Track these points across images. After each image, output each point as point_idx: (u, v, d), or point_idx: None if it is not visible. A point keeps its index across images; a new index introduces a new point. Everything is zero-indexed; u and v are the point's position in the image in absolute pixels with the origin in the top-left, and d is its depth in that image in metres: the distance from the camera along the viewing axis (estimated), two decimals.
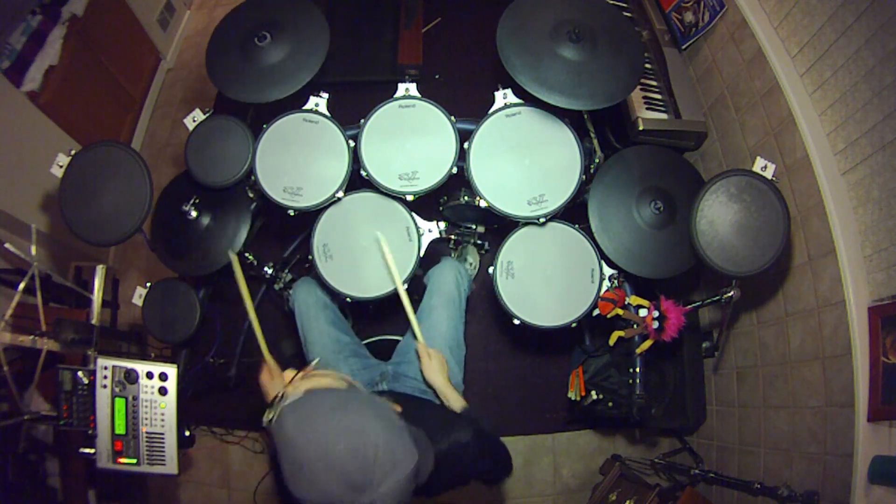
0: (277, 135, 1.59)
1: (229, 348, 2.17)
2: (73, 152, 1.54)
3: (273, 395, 1.08)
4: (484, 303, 2.32)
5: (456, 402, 1.34)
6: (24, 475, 1.76)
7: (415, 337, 1.43)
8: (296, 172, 1.57)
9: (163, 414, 1.39)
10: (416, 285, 1.76)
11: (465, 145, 1.55)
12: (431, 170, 1.55)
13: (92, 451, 1.39)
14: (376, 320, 2.23)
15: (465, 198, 1.88)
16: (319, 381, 0.94)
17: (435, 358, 1.40)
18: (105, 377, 1.38)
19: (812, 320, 1.68)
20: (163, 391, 1.40)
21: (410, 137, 1.57)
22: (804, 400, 1.70)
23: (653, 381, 2.03)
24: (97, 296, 1.68)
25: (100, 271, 1.69)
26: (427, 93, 1.60)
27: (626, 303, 1.55)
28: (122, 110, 2.69)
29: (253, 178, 1.57)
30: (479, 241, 2.18)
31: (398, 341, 1.65)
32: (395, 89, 1.60)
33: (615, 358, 1.88)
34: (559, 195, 1.53)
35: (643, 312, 1.52)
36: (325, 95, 1.61)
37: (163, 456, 1.40)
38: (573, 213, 1.60)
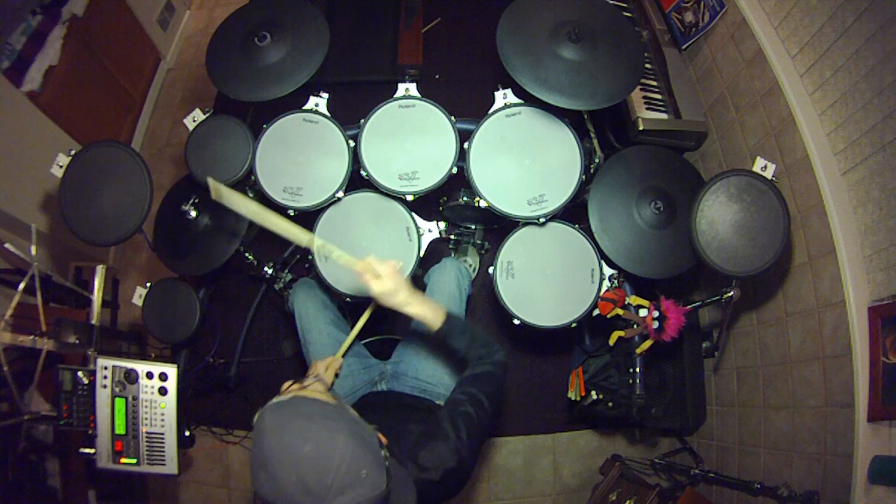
0: (277, 135, 1.58)
1: (229, 348, 2.17)
2: (73, 152, 1.54)
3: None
4: (484, 303, 2.32)
5: (434, 313, 1.19)
6: (24, 475, 1.75)
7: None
8: (296, 172, 1.57)
9: (163, 414, 1.39)
10: (417, 285, 1.75)
11: (465, 145, 1.54)
12: (431, 170, 1.55)
13: (92, 451, 1.39)
14: (376, 320, 2.19)
15: (465, 198, 1.88)
16: (311, 393, 0.94)
17: (385, 273, 1.14)
18: (105, 377, 1.38)
19: (812, 320, 1.68)
20: (163, 391, 1.40)
21: (410, 137, 1.57)
22: (804, 400, 1.69)
23: (653, 381, 2.03)
24: (97, 296, 1.68)
25: (100, 271, 1.69)
26: (427, 93, 1.60)
27: (626, 303, 1.55)
28: (122, 110, 2.68)
29: (253, 178, 1.57)
30: (479, 241, 2.18)
31: (398, 341, 1.65)
32: (395, 89, 1.60)
33: (615, 358, 1.88)
34: (559, 195, 1.53)
35: (643, 312, 1.52)
36: (325, 95, 1.61)
37: (163, 456, 1.40)
38: (573, 213, 1.60)
